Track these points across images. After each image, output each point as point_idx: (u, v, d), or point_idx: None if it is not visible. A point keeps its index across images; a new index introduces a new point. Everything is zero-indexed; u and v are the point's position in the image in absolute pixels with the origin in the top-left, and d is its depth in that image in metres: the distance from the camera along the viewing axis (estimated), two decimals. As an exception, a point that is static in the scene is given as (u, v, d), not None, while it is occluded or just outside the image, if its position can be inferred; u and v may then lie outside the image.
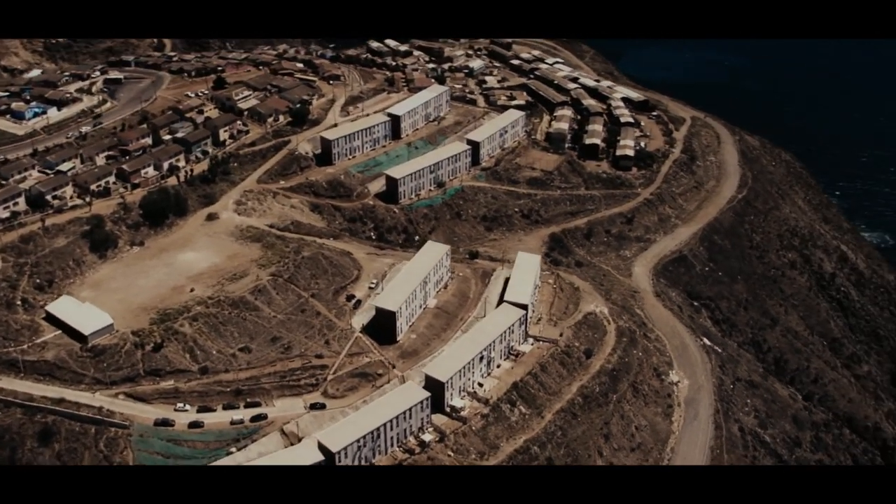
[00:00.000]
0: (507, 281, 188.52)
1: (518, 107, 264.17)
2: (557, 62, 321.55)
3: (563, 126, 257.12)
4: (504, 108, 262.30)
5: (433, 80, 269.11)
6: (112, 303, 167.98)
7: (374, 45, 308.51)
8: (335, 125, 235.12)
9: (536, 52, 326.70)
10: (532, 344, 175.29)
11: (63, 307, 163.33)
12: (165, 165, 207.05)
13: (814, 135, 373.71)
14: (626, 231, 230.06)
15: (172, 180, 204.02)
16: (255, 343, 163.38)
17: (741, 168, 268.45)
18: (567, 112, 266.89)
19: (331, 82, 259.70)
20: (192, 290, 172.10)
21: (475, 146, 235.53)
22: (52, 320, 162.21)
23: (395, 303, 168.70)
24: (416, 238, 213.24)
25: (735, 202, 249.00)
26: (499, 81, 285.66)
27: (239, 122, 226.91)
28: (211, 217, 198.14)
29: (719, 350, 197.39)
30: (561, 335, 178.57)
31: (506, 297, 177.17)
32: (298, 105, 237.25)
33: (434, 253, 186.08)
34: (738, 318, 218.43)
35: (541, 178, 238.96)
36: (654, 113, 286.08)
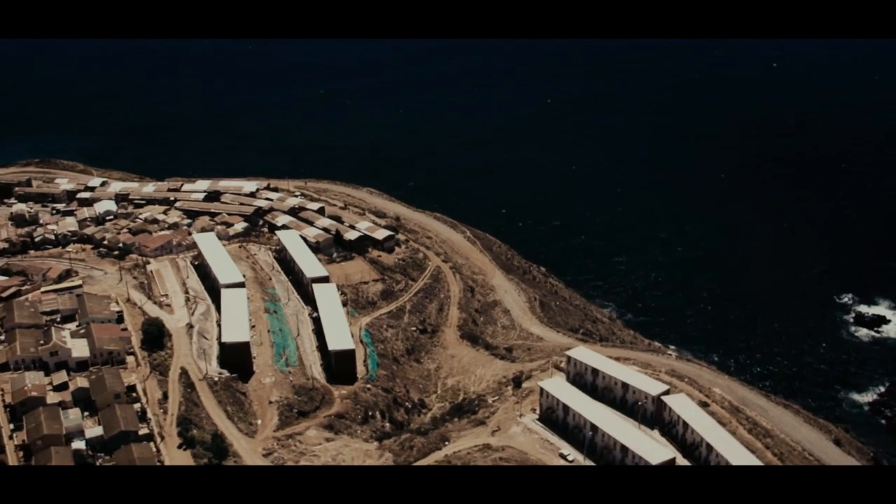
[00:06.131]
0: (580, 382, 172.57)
1: (248, 230, 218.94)
2: (129, 184, 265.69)
3: (320, 231, 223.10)
4: (244, 236, 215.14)
5: (166, 234, 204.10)
6: None
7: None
8: (190, 325, 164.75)
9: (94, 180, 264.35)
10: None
11: None
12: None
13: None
14: (472, 297, 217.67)
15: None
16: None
17: (429, 214, 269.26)
18: (288, 216, 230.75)
19: (81, 278, 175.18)
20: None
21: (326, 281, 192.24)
22: None
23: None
24: (408, 404, 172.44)
25: (477, 241, 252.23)
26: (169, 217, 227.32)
27: (122, 375, 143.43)
28: None
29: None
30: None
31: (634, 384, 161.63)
32: (146, 326, 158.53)
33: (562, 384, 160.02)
34: (598, 330, 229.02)
35: (382, 288, 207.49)
36: (295, 193, 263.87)
